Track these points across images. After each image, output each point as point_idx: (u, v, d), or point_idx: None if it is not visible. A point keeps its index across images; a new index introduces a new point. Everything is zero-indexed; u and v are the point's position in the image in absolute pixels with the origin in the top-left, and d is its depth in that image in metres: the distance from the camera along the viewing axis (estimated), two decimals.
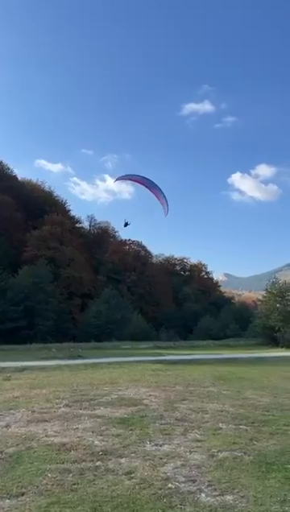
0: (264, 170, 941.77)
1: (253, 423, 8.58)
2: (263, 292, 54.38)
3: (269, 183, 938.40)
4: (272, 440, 7.35)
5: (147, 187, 21.30)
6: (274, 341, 46.33)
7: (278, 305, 48.63)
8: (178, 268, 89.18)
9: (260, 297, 57.34)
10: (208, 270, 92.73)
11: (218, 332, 61.63)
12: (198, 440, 7.30)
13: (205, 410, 9.68)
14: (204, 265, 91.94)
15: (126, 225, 22.92)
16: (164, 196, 21.50)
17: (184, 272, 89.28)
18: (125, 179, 22.96)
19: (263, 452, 6.63)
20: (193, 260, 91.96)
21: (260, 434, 7.74)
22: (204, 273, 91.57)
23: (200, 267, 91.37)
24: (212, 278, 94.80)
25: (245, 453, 6.59)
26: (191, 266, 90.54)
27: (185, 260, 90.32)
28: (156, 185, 21.54)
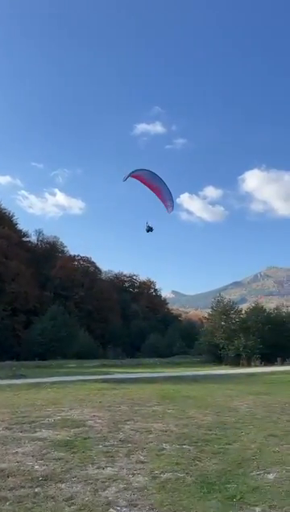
0: (211, 192, 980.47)
1: (196, 442, 8.64)
2: (209, 310, 55.73)
3: (216, 205, 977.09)
4: (214, 460, 7.44)
5: (146, 182, 18.85)
6: (218, 359, 47.40)
7: (223, 323, 49.95)
8: (127, 285, 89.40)
9: (206, 315, 58.61)
10: (156, 287, 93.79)
11: (165, 350, 62.08)
12: (142, 462, 7.24)
13: (150, 431, 9.63)
14: (153, 282, 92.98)
15: (149, 229, 19.29)
16: (169, 191, 18.97)
17: (133, 289, 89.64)
18: (132, 177, 18.87)
19: (204, 473, 6.68)
20: (142, 277, 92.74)
21: (203, 453, 7.81)
22: (152, 290, 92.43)
23: (149, 284, 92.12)
24: (160, 296, 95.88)
25: (187, 474, 6.60)
26: (140, 283, 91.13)
27: (134, 277, 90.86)
28: (159, 179, 18.86)
